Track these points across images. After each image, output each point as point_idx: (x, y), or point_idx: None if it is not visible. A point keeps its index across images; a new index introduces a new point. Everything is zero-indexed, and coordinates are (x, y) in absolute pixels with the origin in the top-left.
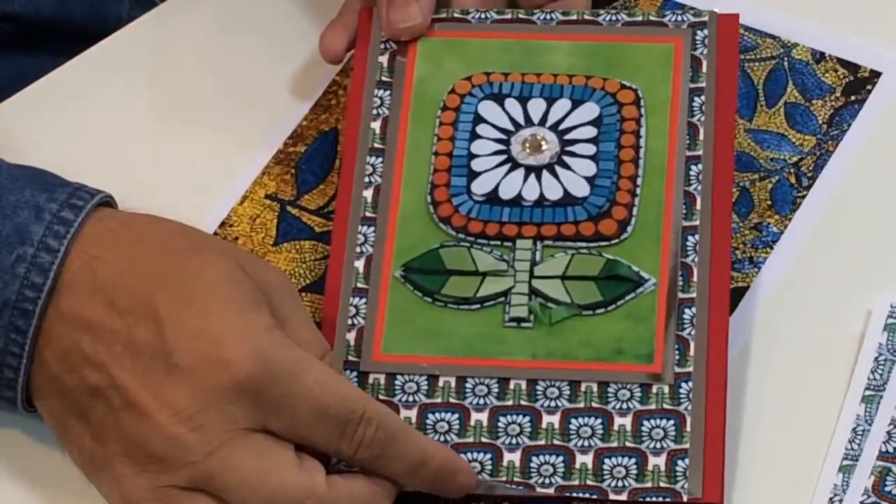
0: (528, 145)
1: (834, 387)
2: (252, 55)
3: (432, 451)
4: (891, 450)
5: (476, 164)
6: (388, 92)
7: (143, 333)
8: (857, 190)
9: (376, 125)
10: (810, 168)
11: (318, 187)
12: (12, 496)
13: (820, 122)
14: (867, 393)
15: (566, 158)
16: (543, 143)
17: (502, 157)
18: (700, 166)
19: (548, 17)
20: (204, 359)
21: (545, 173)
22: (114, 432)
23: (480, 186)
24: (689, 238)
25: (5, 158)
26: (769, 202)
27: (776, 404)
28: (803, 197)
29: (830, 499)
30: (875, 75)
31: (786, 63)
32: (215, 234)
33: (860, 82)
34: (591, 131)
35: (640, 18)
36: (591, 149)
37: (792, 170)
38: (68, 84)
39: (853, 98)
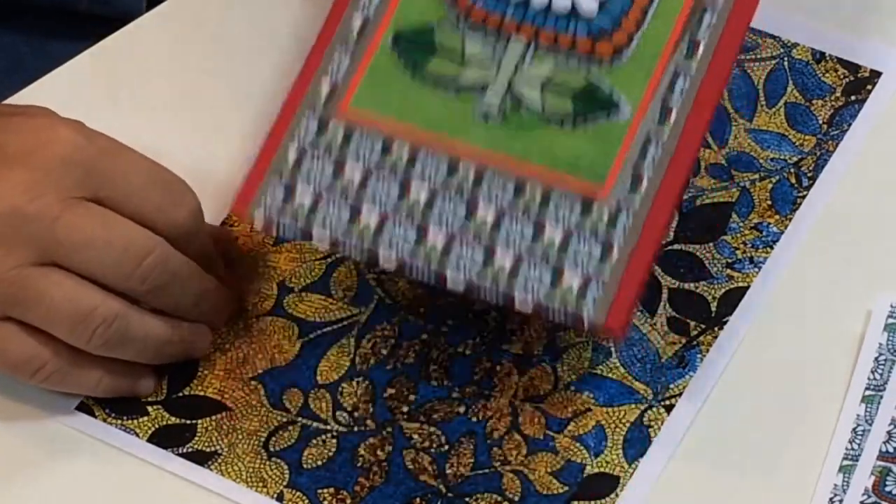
0: None
1: (834, 387)
2: (252, 55)
3: None
4: (891, 450)
5: None
6: None
7: None
8: (858, 190)
9: None
10: (810, 168)
11: None
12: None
13: (820, 122)
14: (867, 393)
15: None
16: None
17: None
18: (714, 17)
19: None
20: (33, 141)
21: None
22: None
23: None
24: (679, 81)
25: None
26: (769, 202)
27: (776, 404)
28: (803, 197)
29: (830, 499)
30: (875, 75)
31: (786, 63)
32: None
33: (860, 82)
34: None
35: None
36: None
37: (792, 170)
38: (63, 87)
39: (853, 98)
